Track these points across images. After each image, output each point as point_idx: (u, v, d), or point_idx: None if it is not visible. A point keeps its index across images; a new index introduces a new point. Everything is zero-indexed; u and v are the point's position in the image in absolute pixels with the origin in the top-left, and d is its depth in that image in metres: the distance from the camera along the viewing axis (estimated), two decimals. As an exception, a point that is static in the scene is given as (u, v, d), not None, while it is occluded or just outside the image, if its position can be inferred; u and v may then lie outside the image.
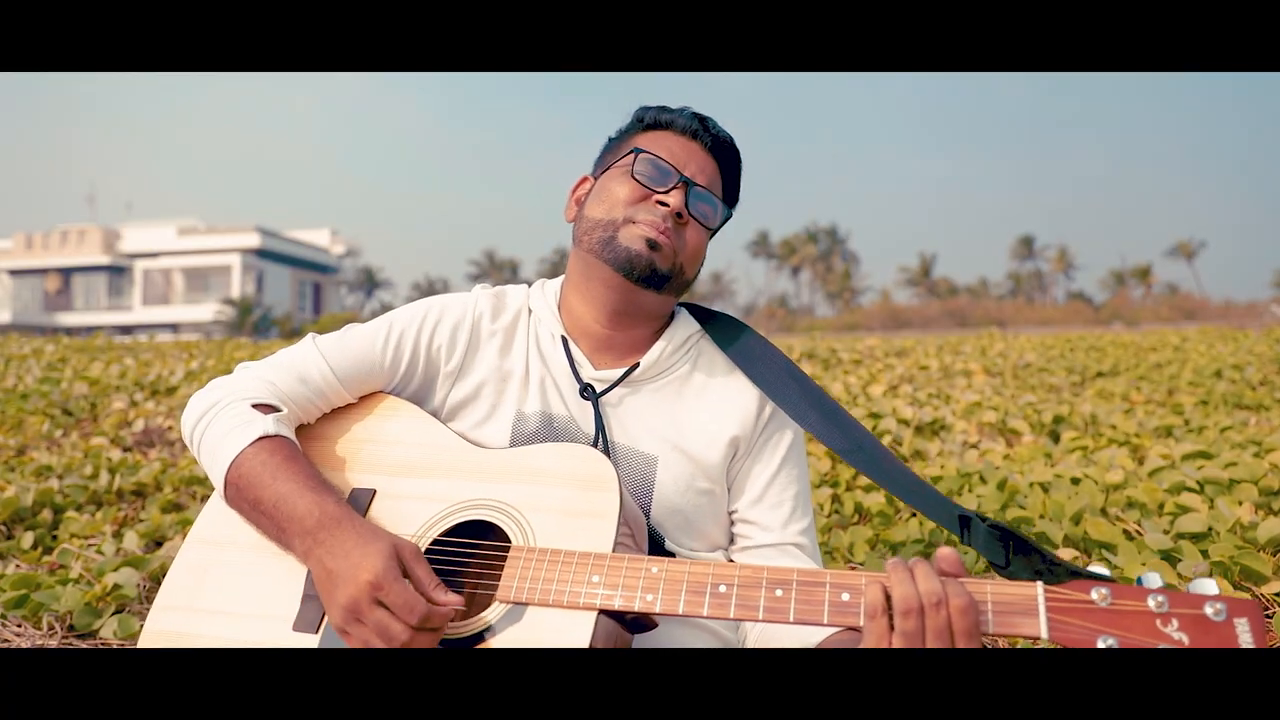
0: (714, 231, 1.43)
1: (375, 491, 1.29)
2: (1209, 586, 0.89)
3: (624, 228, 1.34)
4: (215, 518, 1.32)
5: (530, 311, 1.47)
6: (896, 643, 0.94)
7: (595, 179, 1.45)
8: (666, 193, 1.34)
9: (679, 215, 1.34)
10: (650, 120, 1.42)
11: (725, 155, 1.42)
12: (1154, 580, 0.90)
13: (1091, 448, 3.48)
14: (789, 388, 1.37)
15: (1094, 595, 0.91)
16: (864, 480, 2.88)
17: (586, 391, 1.38)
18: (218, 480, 1.26)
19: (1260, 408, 4.97)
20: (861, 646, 0.98)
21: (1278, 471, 2.63)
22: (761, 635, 1.31)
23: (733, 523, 1.41)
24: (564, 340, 1.41)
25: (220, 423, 1.29)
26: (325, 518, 1.15)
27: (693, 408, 1.39)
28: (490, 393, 1.39)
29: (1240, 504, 2.35)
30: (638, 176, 1.35)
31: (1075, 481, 2.69)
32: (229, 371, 1.56)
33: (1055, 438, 4.13)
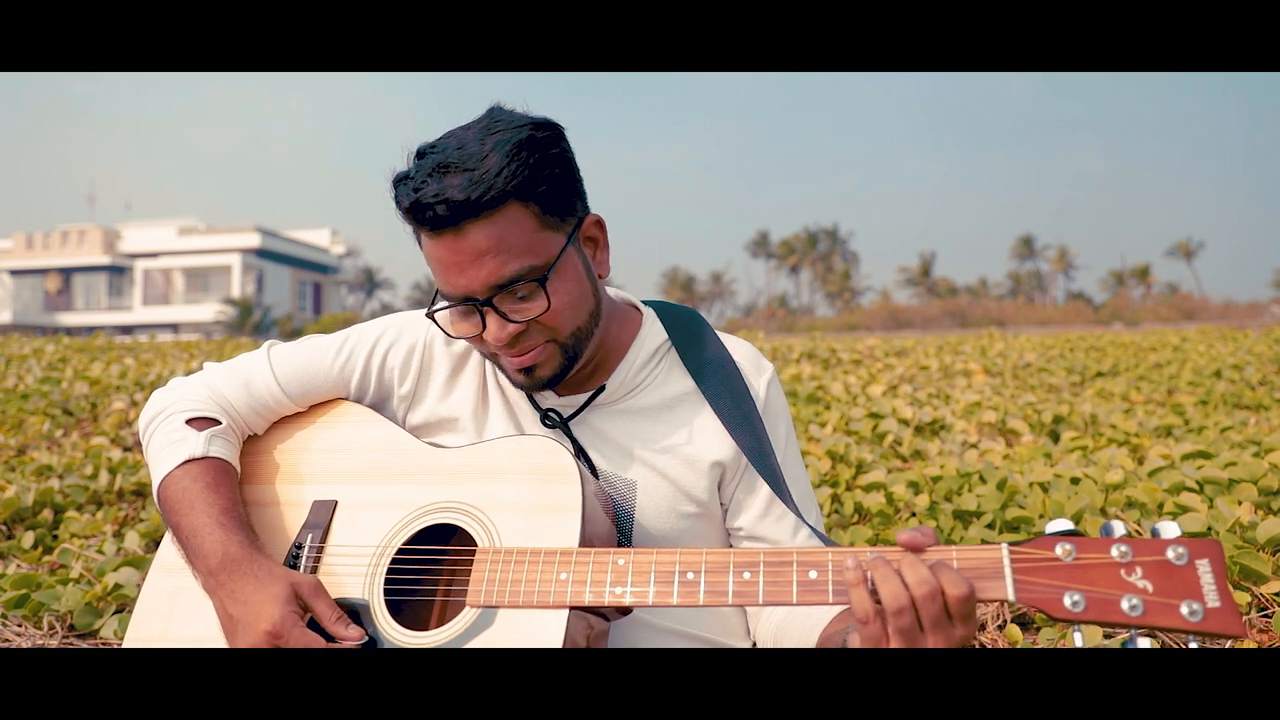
0: (560, 256, 1.16)
1: (337, 503, 1.28)
2: (1172, 529, 0.90)
3: (493, 362, 1.27)
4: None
5: None
6: (895, 641, 0.93)
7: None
8: (481, 335, 1.18)
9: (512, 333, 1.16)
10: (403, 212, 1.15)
11: (482, 206, 1.08)
12: (1118, 529, 0.91)
13: (1091, 448, 3.48)
14: (746, 436, 1.29)
15: (1058, 551, 0.91)
16: (864, 480, 2.88)
17: (548, 419, 1.31)
18: (155, 498, 1.30)
19: (1260, 408, 4.98)
20: (860, 641, 0.96)
21: (1277, 471, 2.63)
22: (778, 632, 1.29)
23: (739, 538, 1.35)
24: None
25: (158, 437, 1.32)
26: (226, 559, 1.16)
27: (668, 427, 1.31)
28: (444, 421, 1.36)
29: (1240, 504, 2.35)
30: (453, 335, 1.22)
31: (1075, 481, 2.69)
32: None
33: (1055, 438, 4.13)
